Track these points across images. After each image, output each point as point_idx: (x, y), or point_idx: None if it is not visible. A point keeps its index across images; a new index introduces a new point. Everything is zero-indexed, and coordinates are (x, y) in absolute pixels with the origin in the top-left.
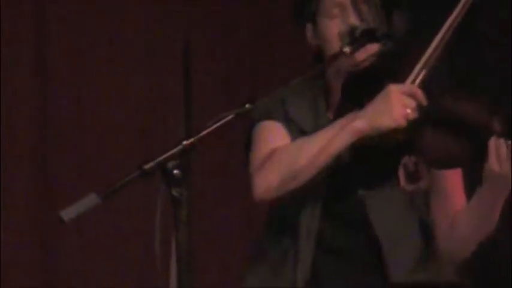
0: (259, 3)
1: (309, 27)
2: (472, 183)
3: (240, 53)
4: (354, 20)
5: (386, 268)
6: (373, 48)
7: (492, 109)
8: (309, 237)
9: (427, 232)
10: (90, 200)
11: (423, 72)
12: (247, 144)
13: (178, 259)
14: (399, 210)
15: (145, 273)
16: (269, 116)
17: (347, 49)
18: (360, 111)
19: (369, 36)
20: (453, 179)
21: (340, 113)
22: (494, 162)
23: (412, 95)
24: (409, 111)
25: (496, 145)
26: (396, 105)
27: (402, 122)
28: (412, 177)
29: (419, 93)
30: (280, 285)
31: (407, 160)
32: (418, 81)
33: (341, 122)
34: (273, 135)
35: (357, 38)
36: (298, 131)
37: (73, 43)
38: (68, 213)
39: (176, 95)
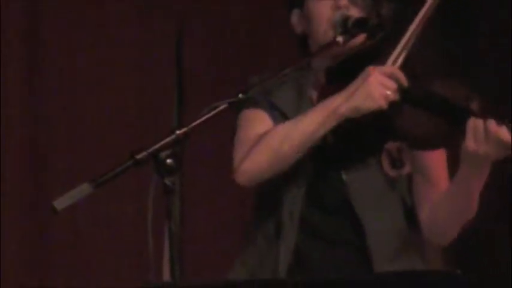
0: None
1: (295, 12)
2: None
3: (233, 42)
4: (342, 1)
5: (371, 254)
6: (359, 39)
7: (471, 91)
8: (292, 221)
9: (410, 218)
10: (83, 189)
11: (403, 54)
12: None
13: (171, 248)
14: (382, 194)
15: (138, 262)
16: (253, 104)
17: (340, 39)
18: (340, 93)
19: (361, 26)
20: (436, 163)
21: (324, 97)
22: (471, 142)
23: (392, 77)
24: (389, 92)
25: (473, 125)
26: (376, 87)
27: (383, 104)
28: (395, 163)
29: (400, 75)
30: (265, 273)
31: (391, 146)
32: (398, 62)
33: (323, 104)
34: (256, 121)
35: (349, 28)
36: (282, 119)
37: (65, 36)
38: (61, 203)
39: (168, 84)
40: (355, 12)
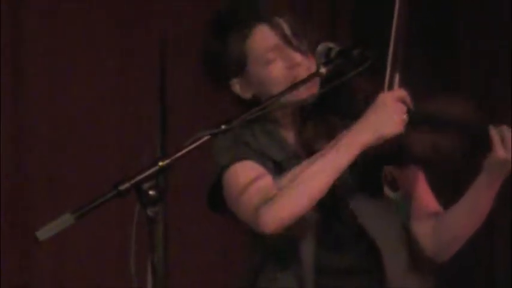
0: None
1: (235, 82)
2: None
3: None
4: (297, 58)
5: (385, 276)
6: (314, 86)
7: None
8: (310, 265)
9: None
10: (65, 220)
11: (397, 76)
12: (214, 190)
13: (154, 279)
14: (389, 218)
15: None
16: (239, 157)
17: (323, 70)
18: (357, 124)
19: (344, 56)
20: (424, 183)
21: (305, 134)
22: (499, 149)
23: (402, 100)
24: (404, 116)
25: (499, 132)
26: (394, 112)
27: (402, 128)
28: (393, 185)
29: (408, 97)
30: None
31: (386, 170)
32: (396, 85)
33: (341, 139)
34: (252, 173)
35: (332, 59)
36: (271, 162)
37: (47, 51)
38: (43, 233)
39: (150, 102)
40: (307, 64)
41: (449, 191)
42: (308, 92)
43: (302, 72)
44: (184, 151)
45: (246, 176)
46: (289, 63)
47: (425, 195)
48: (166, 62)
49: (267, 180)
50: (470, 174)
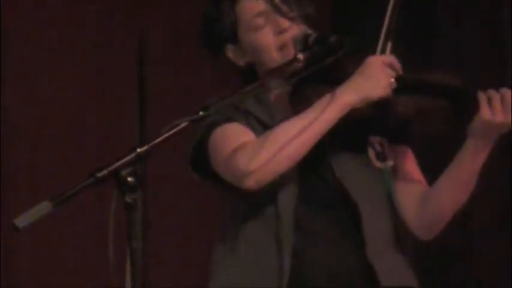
0: None
1: (230, 48)
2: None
3: (195, 58)
4: (284, 23)
5: (364, 243)
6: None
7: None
8: (289, 222)
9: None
10: (43, 207)
11: (389, 44)
12: (197, 152)
13: (132, 266)
14: (374, 185)
15: (100, 278)
16: (226, 119)
17: (301, 56)
18: (343, 85)
19: (322, 42)
20: (413, 161)
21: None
22: (487, 112)
23: (391, 65)
24: (392, 80)
25: (487, 95)
26: (381, 75)
27: (388, 91)
28: (379, 155)
29: (397, 63)
30: (265, 276)
31: (374, 139)
32: (387, 52)
33: (326, 98)
34: (238, 133)
35: (309, 46)
36: (257, 123)
37: (28, 48)
38: (22, 221)
39: (130, 100)
40: (296, 30)
41: (435, 163)
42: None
43: (290, 38)
44: (162, 137)
45: (232, 136)
46: (277, 29)
47: (412, 171)
48: (145, 54)
49: (250, 138)
50: (457, 145)
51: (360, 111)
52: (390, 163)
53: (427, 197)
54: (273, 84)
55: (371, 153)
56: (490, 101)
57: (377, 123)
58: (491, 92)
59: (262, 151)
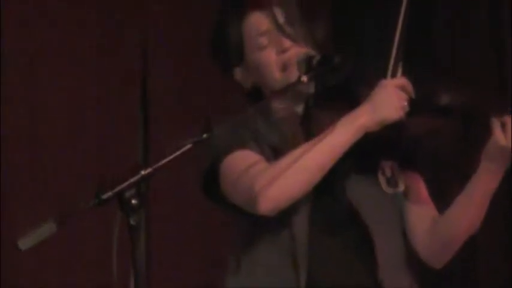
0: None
1: (237, 71)
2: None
3: (199, 72)
4: (285, 43)
5: (376, 265)
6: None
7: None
8: (304, 244)
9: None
10: (46, 228)
11: (400, 65)
12: (208, 178)
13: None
14: (386, 209)
15: None
16: (238, 145)
17: (305, 78)
18: (358, 109)
19: (326, 64)
20: (423, 187)
21: (308, 120)
22: (499, 135)
23: (403, 88)
24: (405, 103)
25: (501, 120)
26: (395, 98)
27: (402, 114)
28: (390, 181)
29: (409, 85)
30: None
31: (385, 164)
32: (399, 74)
33: (347, 120)
34: (250, 160)
35: (313, 67)
36: (268, 147)
37: (27, 55)
38: (25, 243)
39: (133, 115)
40: (299, 50)
41: (445, 190)
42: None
43: (291, 57)
44: (166, 160)
45: (244, 162)
46: (279, 48)
47: (422, 197)
48: (148, 69)
49: (264, 166)
50: (470, 171)
51: (373, 132)
52: (401, 188)
53: (438, 223)
54: (278, 104)
55: (381, 179)
56: (503, 126)
57: (389, 145)
58: (505, 118)
59: (279, 178)
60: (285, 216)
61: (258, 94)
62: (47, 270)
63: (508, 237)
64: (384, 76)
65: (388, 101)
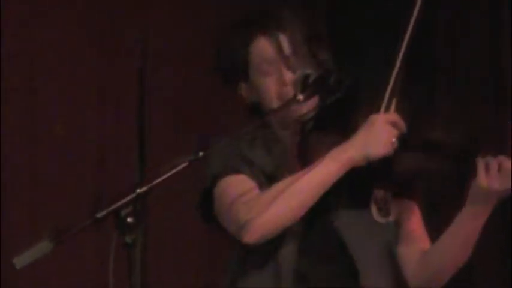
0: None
1: (243, 86)
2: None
3: (195, 89)
4: (287, 77)
5: None
6: (315, 100)
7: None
8: (290, 273)
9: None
10: (42, 247)
11: (394, 100)
12: (204, 200)
13: None
14: (374, 239)
15: None
16: (232, 170)
17: (300, 97)
18: (347, 142)
19: (321, 83)
20: (417, 216)
21: (303, 148)
22: (483, 179)
23: (394, 124)
24: (394, 140)
25: (485, 161)
26: (384, 134)
27: (390, 150)
28: (382, 211)
29: (401, 122)
30: None
31: (377, 194)
32: (392, 109)
33: (335, 154)
34: (242, 187)
35: (309, 86)
36: (261, 174)
37: (25, 64)
38: (21, 261)
39: (130, 137)
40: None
41: (441, 218)
42: (307, 107)
43: (291, 92)
44: (162, 178)
45: (236, 190)
46: (280, 80)
47: (415, 227)
48: (145, 87)
49: (254, 195)
50: (459, 203)
51: (364, 166)
52: (392, 219)
53: (427, 255)
54: (275, 122)
55: (373, 208)
56: (487, 167)
57: (382, 177)
58: (490, 159)
59: (265, 209)
60: (273, 244)
61: (258, 110)
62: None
63: (504, 258)
64: (378, 110)
65: (377, 136)
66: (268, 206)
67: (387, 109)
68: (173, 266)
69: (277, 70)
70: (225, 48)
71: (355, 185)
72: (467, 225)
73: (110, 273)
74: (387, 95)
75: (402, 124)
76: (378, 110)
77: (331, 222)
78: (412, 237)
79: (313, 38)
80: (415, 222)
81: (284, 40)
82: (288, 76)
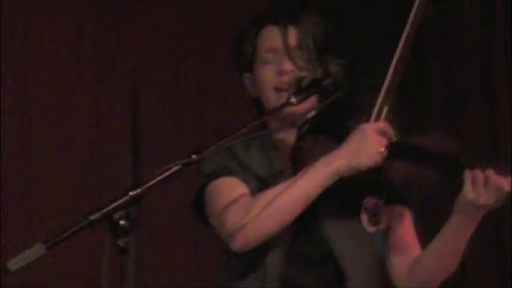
0: (211, 49)
1: (247, 76)
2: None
3: (189, 96)
4: (286, 66)
5: None
6: (309, 103)
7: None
8: (273, 279)
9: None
10: (36, 250)
11: (385, 109)
12: (197, 201)
13: None
14: (363, 248)
15: None
16: (224, 171)
17: (293, 99)
18: (335, 152)
19: (315, 86)
20: (408, 223)
21: (300, 153)
22: (470, 192)
23: (384, 133)
24: (383, 149)
25: (472, 174)
26: (372, 144)
27: (379, 160)
28: (372, 219)
29: (391, 131)
30: None
31: (368, 202)
32: (382, 117)
33: (323, 164)
34: (233, 188)
35: (303, 88)
36: (254, 178)
37: (17, 75)
38: (15, 264)
39: (124, 140)
40: (297, 75)
41: (430, 227)
42: (301, 110)
43: (286, 82)
44: (155, 181)
45: (226, 193)
46: (279, 69)
47: (405, 234)
48: (138, 91)
49: (244, 202)
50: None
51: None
52: (382, 227)
53: (416, 264)
54: (273, 126)
55: (363, 217)
56: (474, 181)
57: (372, 185)
58: (476, 172)
59: (252, 217)
60: (261, 249)
61: (260, 106)
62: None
63: (497, 260)
64: (369, 117)
65: (364, 147)
66: (256, 215)
67: (378, 117)
68: (167, 269)
69: (277, 59)
70: (237, 35)
71: (346, 193)
72: (453, 236)
73: (103, 277)
74: (379, 103)
75: (391, 132)
76: (369, 118)
77: (320, 230)
78: (402, 245)
79: (325, 43)
80: (406, 229)
81: (293, 32)
82: (287, 66)
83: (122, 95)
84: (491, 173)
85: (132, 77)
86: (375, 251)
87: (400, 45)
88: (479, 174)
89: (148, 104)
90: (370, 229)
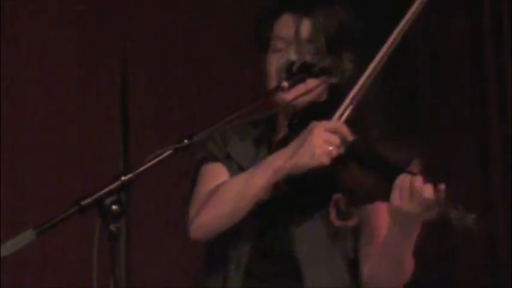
0: (198, 39)
1: (263, 57)
2: None
3: (179, 86)
4: (293, 55)
5: None
6: (312, 83)
7: (414, 152)
8: (238, 274)
9: (353, 270)
10: (26, 236)
11: (350, 108)
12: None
13: None
14: (325, 246)
15: None
16: (211, 158)
17: (285, 84)
18: (285, 149)
19: (306, 71)
20: (380, 221)
21: (284, 145)
22: (396, 198)
23: (336, 131)
24: (331, 148)
25: (400, 181)
26: (318, 143)
27: (324, 160)
28: (342, 214)
29: (344, 129)
30: None
31: (340, 198)
32: (344, 116)
33: (268, 161)
34: (213, 176)
35: (294, 73)
36: (238, 170)
37: (5, 68)
38: (5, 250)
39: (113, 128)
40: None
41: None
42: (292, 95)
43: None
44: (146, 166)
45: (207, 182)
46: (284, 58)
47: (377, 228)
48: (128, 78)
49: (210, 191)
50: None
51: (323, 167)
52: (351, 223)
53: (375, 264)
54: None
55: (332, 211)
56: (401, 186)
57: (331, 183)
58: (405, 178)
59: (209, 207)
60: (229, 244)
61: None
62: (26, 277)
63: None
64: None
65: (310, 145)
66: (209, 205)
67: (341, 115)
68: (156, 256)
69: (285, 49)
70: (259, 16)
71: (317, 191)
72: (393, 244)
73: (93, 262)
74: (347, 101)
75: (345, 131)
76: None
77: (286, 227)
78: (375, 237)
79: (339, 36)
80: (378, 222)
81: (306, 25)
82: (293, 57)
83: (111, 80)
84: (416, 179)
85: (122, 61)
86: (342, 254)
87: (382, 50)
88: (407, 180)
89: (139, 89)
90: (338, 223)
